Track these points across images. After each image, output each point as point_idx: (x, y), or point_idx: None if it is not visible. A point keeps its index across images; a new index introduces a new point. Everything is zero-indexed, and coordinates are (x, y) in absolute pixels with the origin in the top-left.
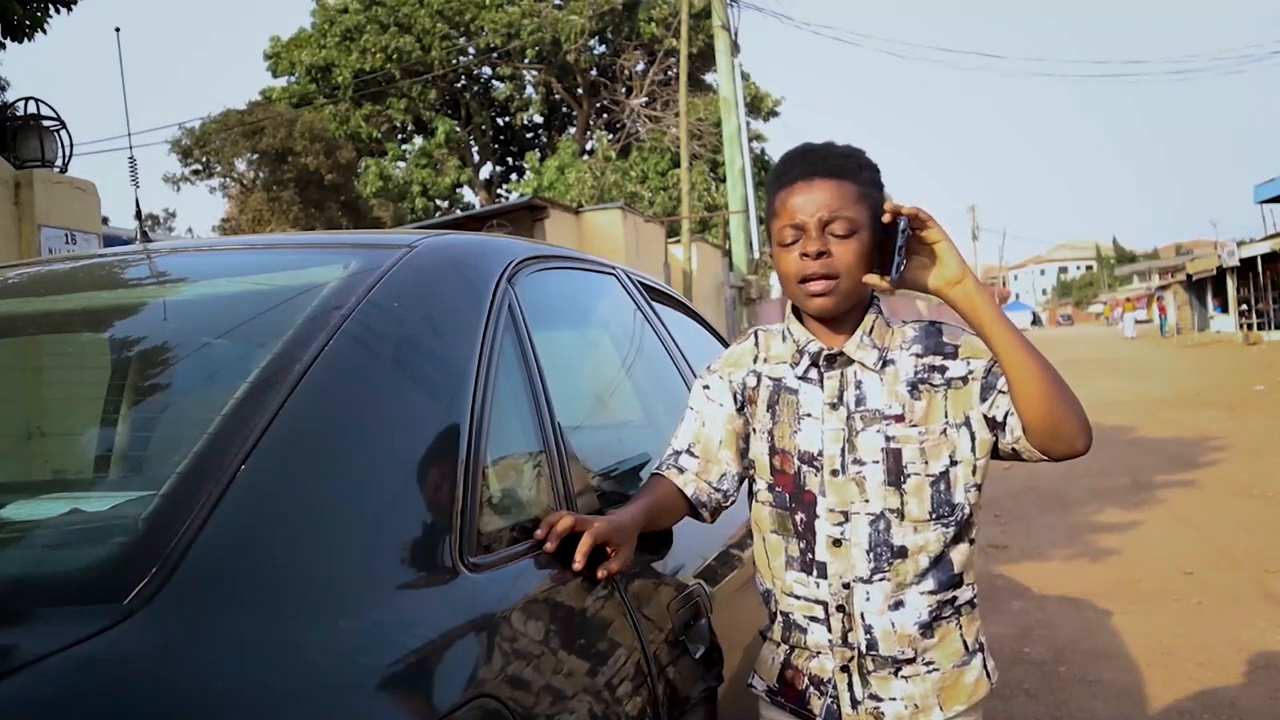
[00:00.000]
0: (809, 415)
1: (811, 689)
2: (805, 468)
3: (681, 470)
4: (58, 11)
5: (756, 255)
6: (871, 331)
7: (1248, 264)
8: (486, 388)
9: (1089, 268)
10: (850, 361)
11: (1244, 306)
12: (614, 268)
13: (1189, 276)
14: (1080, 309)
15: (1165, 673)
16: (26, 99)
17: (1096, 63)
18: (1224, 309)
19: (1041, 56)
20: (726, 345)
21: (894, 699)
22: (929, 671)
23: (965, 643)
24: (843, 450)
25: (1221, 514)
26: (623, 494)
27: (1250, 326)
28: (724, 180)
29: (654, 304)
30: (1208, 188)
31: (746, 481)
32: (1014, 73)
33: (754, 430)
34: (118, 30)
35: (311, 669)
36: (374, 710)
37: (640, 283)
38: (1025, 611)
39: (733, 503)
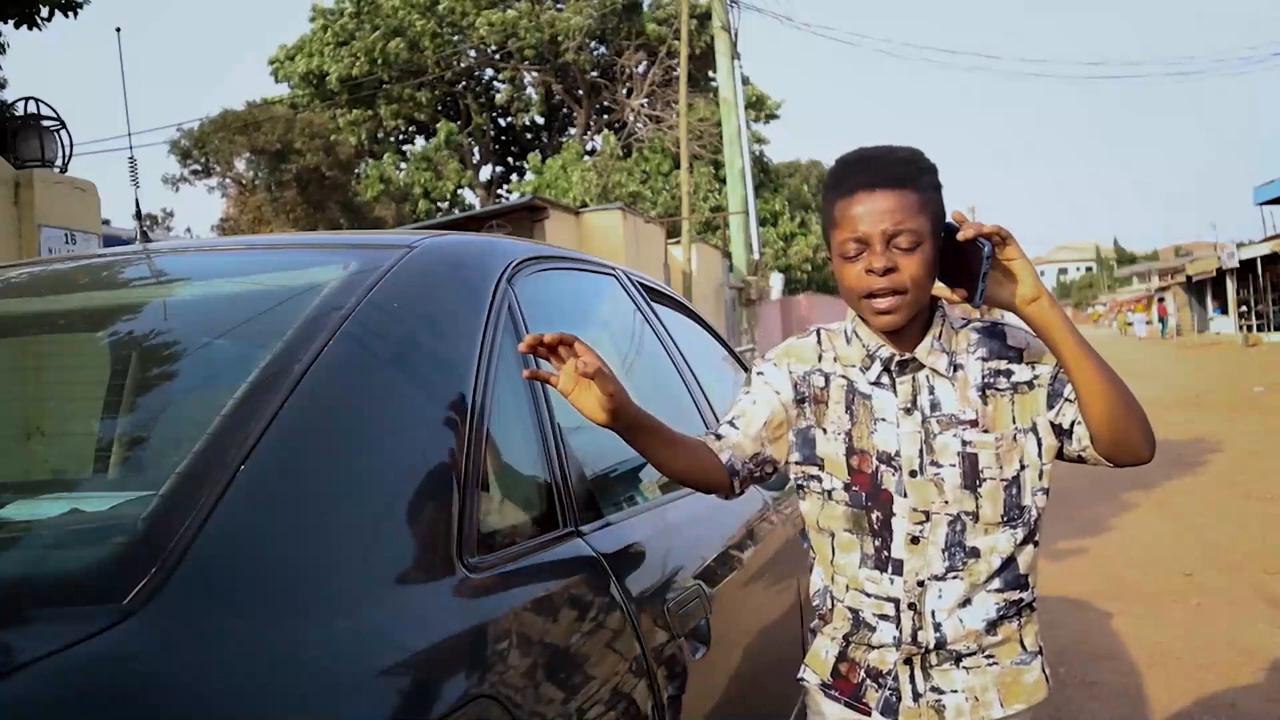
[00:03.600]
0: (883, 420)
1: (869, 681)
2: (884, 467)
3: (720, 437)
4: (65, 15)
5: (756, 256)
6: (940, 336)
7: (1247, 265)
8: (486, 388)
9: (1089, 269)
10: (921, 366)
11: (1244, 308)
12: (614, 268)
13: (1189, 278)
14: (1080, 310)
15: (1165, 674)
16: (26, 99)
17: (1095, 63)
18: (1224, 310)
19: (1041, 57)
20: (727, 346)
21: (955, 691)
22: (989, 664)
23: (1024, 643)
24: (921, 452)
25: (1221, 515)
26: (623, 495)
27: (1250, 328)
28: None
29: (654, 305)
30: (1207, 189)
31: (810, 481)
32: (1013, 73)
33: (824, 430)
34: (118, 30)
35: (311, 669)
36: (373, 710)
37: (640, 283)
38: None
39: (765, 480)
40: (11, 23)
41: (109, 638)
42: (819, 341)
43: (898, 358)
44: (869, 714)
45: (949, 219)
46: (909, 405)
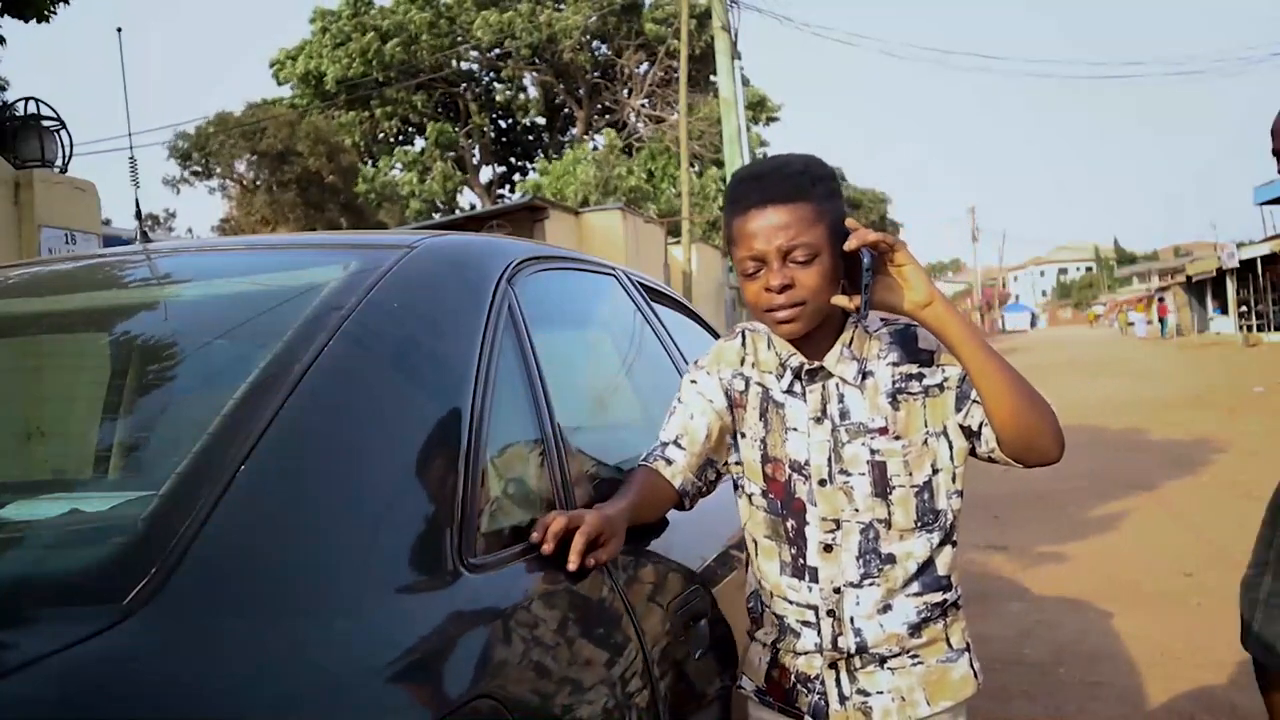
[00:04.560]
0: (794, 429)
1: (799, 686)
2: (795, 476)
3: (670, 462)
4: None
5: None
6: (851, 343)
7: (1247, 265)
8: (486, 388)
9: (1089, 269)
10: (830, 375)
11: (1244, 308)
12: (613, 268)
13: (1189, 278)
14: (1080, 310)
15: (1164, 674)
16: (26, 99)
17: (1095, 64)
18: (1224, 310)
19: (1041, 58)
20: None
21: (881, 692)
22: (914, 664)
23: (950, 642)
24: (829, 460)
25: (1221, 515)
26: None
27: (1250, 328)
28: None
29: (653, 304)
30: (1207, 189)
31: (736, 482)
32: (1013, 73)
33: (743, 435)
34: (119, 30)
35: (311, 669)
36: (373, 711)
37: (640, 283)
38: (1024, 613)
39: (714, 488)
40: (8, 15)
41: (109, 638)
42: (743, 344)
43: (807, 366)
44: (802, 718)
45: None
46: (819, 414)
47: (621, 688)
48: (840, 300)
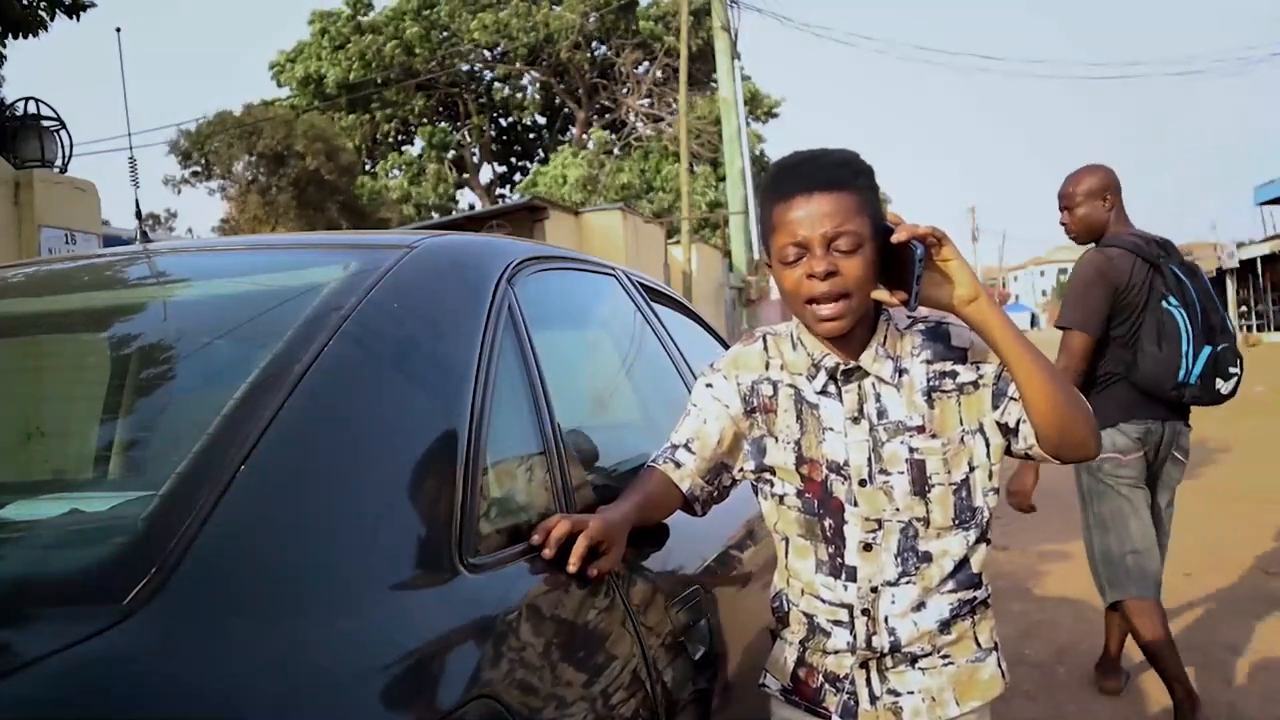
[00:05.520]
0: (831, 429)
1: (827, 686)
2: (833, 476)
3: (678, 465)
4: (69, 17)
5: (756, 256)
6: (885, 341)
7: (1247, 266)
8: (486, 388)
9: None
10: (866, 374)
11: (1243, 308)
12: (614, 268)
13: None
14: None
15: None
16: (26, 99)
17: (1095, 64)
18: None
19: (1041, 58)
20: (726, 346)
21: (911, 692)
22: (945, 664)
23: (979, 640)
24: (869, 460)
25: (1221, 516)
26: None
27: (1250, 328)
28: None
29: (653, 304)
30: (1207, 189)
31: (763, 485)
32: (1013, 73)
33: (775, 438)
34: (118, 30)
35: (311, 669)
36: (373, 710)
37: (640, 283)
38: (1025, 612)
39: (727, 494)
40: (12, 34)
41: (109, 638)
42: (765, 348)
43: (842, 366)
44: (830, 718)
45: (886, 220)
46: (856, 414)
47: (621, 689)
48: (881, 295)
